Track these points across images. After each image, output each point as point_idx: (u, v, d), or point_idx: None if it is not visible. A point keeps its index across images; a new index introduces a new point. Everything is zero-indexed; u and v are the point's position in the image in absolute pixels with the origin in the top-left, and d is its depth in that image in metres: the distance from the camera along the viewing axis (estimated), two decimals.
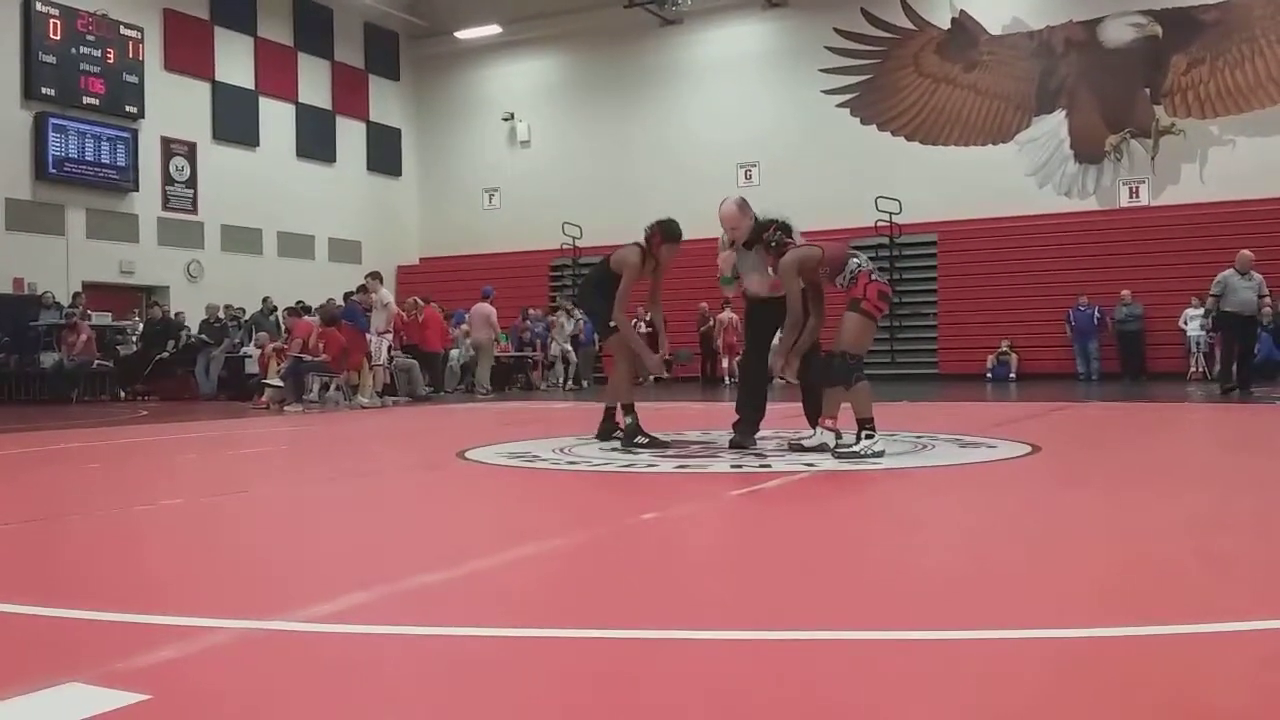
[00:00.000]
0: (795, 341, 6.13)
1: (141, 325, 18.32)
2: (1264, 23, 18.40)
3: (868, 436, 5.79)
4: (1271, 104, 18.37)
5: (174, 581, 3.11)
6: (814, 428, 6.26)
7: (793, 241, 6.17)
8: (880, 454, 5.74)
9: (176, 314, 18.75)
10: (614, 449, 6.54)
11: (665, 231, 6.70)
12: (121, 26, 19.32)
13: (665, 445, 6.58)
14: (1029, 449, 6.28)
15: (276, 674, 2.13)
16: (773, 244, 6.14)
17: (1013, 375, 18.64)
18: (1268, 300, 14.61)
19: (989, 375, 18.73)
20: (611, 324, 6.82)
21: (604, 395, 7.34)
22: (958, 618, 2.46)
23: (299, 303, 17.06)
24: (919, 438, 6.99)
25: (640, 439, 6.65)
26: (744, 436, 6.50)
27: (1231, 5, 18.64)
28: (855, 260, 5.95)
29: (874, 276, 5.91)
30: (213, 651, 2.26)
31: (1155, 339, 18.04)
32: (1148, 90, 19.29)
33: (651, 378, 17.88)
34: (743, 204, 6.65)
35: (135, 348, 17.79)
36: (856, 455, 5.70)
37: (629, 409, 6.79)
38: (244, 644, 2.32)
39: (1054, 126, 20.07)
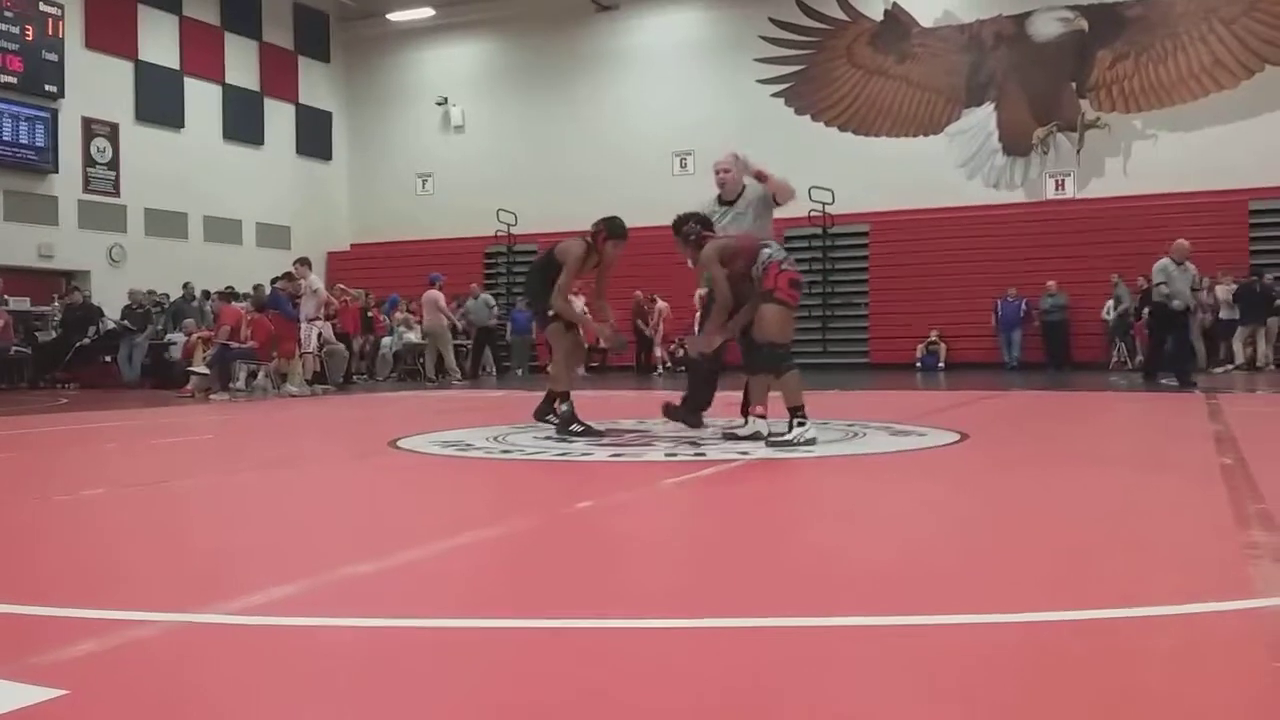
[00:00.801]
0: (724, 323, 6.19)
1: (61, 311, 17.83)
2: (1186, 19, 18.84)
3: (799, 424, 5.84)
4: (1193, 99, 18.82)
5: (94, 574, 3.03)
6: (744, 416, 6.32)
7: (711, 234, 6.28)
8: (812, 442, 5.78)
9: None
10: (548, 437, 6.52)
11: (611, 229, 6.79)
12: (41, 2, 18.71)
13: (600, 434, 6.58)
14: (958, 436, 6.37)
15: (201, 668, 2.08)
16: (691, 236, 6.25)
17: (941, 364, 18.92)
18: (1203, 292, 14.71)
19: (918, 364, 19.00)
20: (550, 313, 6.83)
21: (550, 382, 7.32)
22: (892, 604, 2.48)
23: (228, 288, 16.71)
24: (850, 425, 7.06)
25: (575, 427, 6.64)
26: (687, 413, 6.65)
27: (1155, 1, 19.05)
28: (766, 250, 6.02)
29: (784, 265, 5.96)
30: (134, 645, 2.19)
31: (1079, 329, 18.42)
32: (1074, 84, 19.67)
33: (581, 370, 17.80)
34: (738, 157, 6.80)
35: (55, 334, 17.32)
36: (789, 443, 5.74)
37: (564, 397, 6.79)
38: (167, 637, 2.26)
39: (983, 119, 20.37)
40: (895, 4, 20.84)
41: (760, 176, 6.70)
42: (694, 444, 6.03)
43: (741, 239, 6.20)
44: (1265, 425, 7.69)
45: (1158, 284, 12.10)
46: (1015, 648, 2.14)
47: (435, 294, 16.84)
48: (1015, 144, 20.15)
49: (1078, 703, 1.80)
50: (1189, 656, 2.08)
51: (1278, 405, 9.73)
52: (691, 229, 6.27)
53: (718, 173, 6.77)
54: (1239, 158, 18.09)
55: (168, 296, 18.72)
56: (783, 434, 5.86)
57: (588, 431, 6.60)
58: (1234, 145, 18.28)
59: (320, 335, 14.23)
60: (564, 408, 6.76)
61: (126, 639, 2.23)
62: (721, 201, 6.79)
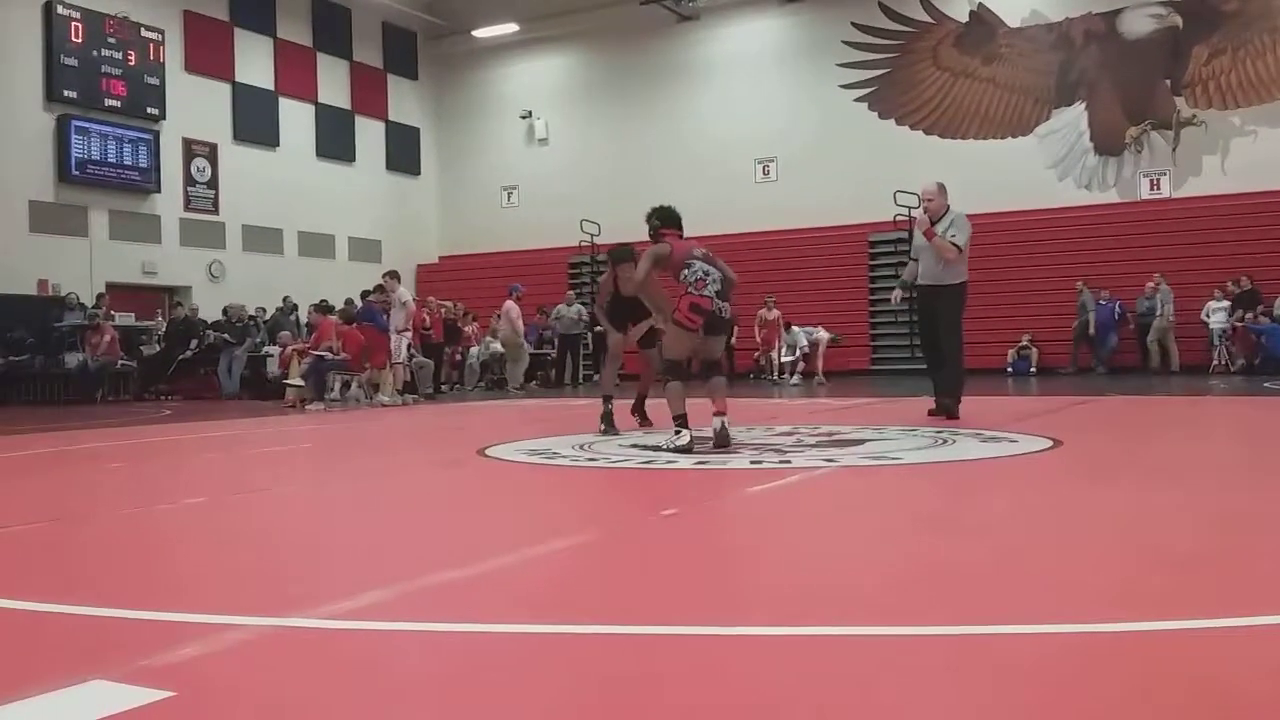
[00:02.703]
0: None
1: (164, 325, 18.45)
2: None
3: (676, 432, 6.02)
4: None
5: (197, 579, 3.14)
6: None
7: (670, 232, 6.58)
8: (683, 450, 5.86)
9: (217, 311, 18.87)
10: (633, 445, 6.57)
11: (612, 258, 7.84)
12: (142, 28, 19.42)
13: (616, 433, 7.32)
14: (1050, 443, 6.25)
15: (299, 671, 2.15)
16: (650, 231, 6.64)
17: (1033, 369, 18.52)
18: None
19: (1009, 369, 18.61)
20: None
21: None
22: (979, 613, 2.46)
23: (322, 301, 17.13)
24: (939, 432, 6.97)
25: (602, 425, 7.53)
26: (952, 405, 8.10)
27: None
28: (685, 271, 6.18)
29: (690, 290, 6.11)
30: (236, 649, 2.28)
31: (1178, 331, 17.86)
32: (1168, 81, 19.13)
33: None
34: (942, 185, 8.33)
35: (158, 348, 17.91)
36: (656, 448, 6.11)
37: (607, 399, 7.70)
38: (267, 641, 2.34)
39: (1074, 119, 19.94)
40: (981, 4, 20.52)
41: (928, 235, 8.11)
42: (778, 451, 6.02)
43: (677, 249, 6.35)
44: None
45: None
46: (1111, 657, 2.10)
47: (509, 305, 17.02)
48: (1108, 144, 19.67)
49: (1179, 713, 1.77)
50: None
51: None
52: (652, 224, 6.70)
53: (924, 199, 8.34)
54: None
55: (264, 310, 19.24)
56: (667, 441, 6.10)
57: (607, 431, 7.42)
58: None
59: (409, 347, 14.50)
60: (605, 409, 7.63)
61: (229, 642, 2.31)
62: (929, 222, 8.16)
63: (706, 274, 6.17)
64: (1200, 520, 3.76)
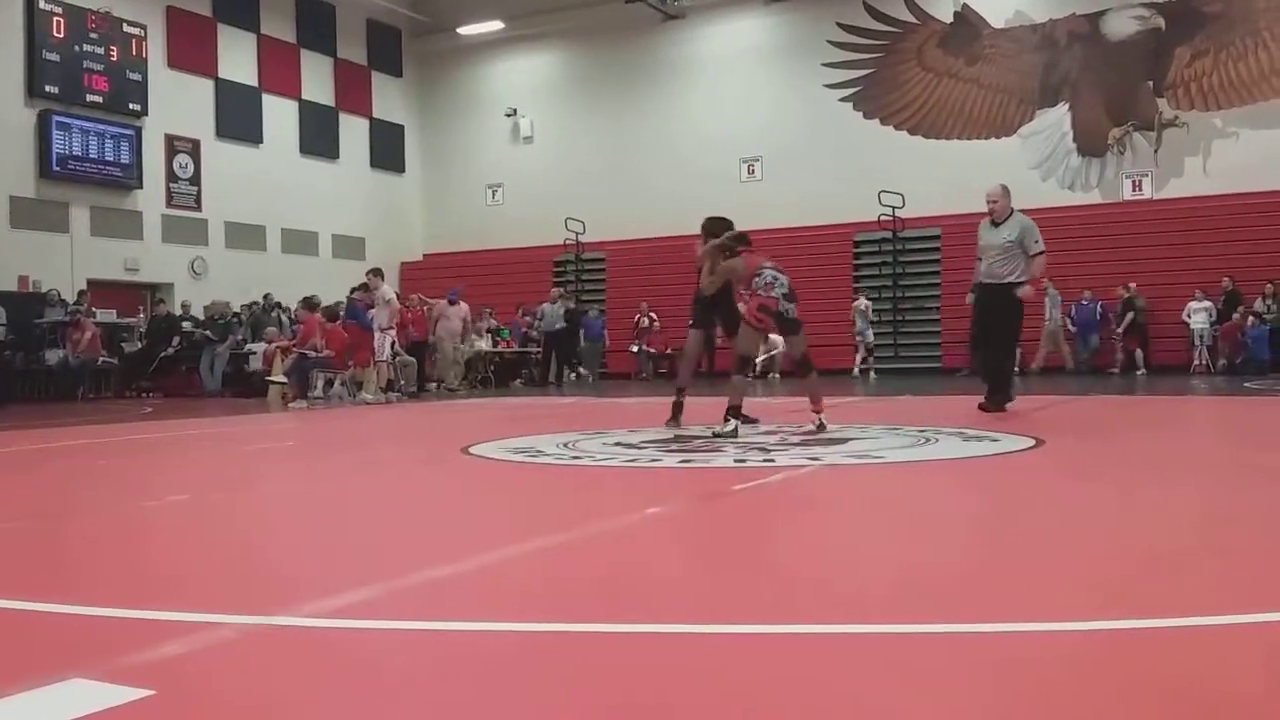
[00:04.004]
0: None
1: (146, 322, 18.35)
2: (1267, 15, 18.33)
3: (726, 421, 6.68)
4: (1275, 96, 18.30)
5: (179, 577, 3.12)
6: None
7: (745, 249, 7.15)
8: (732, 435, 6.52)
9: (186, 305, 18.77)
10: (617, 444, 6.57)
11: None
12: (125, 24, 19.31)
13: (680, 427, 7.32)
14: (1032, 442, 6.27)
15: (281, 669, 2.13)
16: (727, 249, 7.19)
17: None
18: None
19: None
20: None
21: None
22: (964, 611, 2.46)
23: (308, 298, 17.03)
24: (922, 431, 6.99)
25: (672, 416, 7.56)
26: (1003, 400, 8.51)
27: None
28: (757, 279, 6.88)
29: (759, 292, 6.83)
30: (217, 647, 2.26)
31: (1158, 332, 17.99)
32: (1150, 83, 19.24)
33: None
34: (1006, 188, 8.60)
35: (140, 345, 17.81)
36: (714, 434, 6.62)
37: (680, 390, 7.86)
38: (249, 639, 2.32)
39: (1057, 120, 20.03)
40: (965, 5, 20.60)
41: (1033, 287, 8.49)
42: (763, 450, 6.02)
43: (750, 262, 7.02)
44: None
45: None
46: (1091, 655, 2.11)
47: (442, 304, 16.99)
48: (1090, 145, 19.77)
49: (1167, 712, 1.78)
50: (1274, 663, 2.03)
51: None
52: (727, 241, 7.22)
53: (989, 201, 8.51)
54: None
55: (247, 308, 19.14)
56: (716, 428, 6.70)
57: (671, 423, 7.41)
58: None
59: (394, 344, 14.47)
60: (678, 399, 7.73)
61: (210, 640, 2.29)
62: (993, 223, 8.50)
63: (775, 279, 6.88)
64: (1184, 518, 3.78)
